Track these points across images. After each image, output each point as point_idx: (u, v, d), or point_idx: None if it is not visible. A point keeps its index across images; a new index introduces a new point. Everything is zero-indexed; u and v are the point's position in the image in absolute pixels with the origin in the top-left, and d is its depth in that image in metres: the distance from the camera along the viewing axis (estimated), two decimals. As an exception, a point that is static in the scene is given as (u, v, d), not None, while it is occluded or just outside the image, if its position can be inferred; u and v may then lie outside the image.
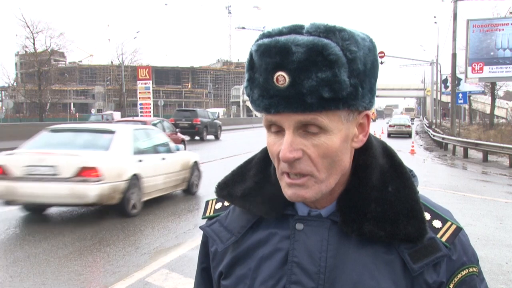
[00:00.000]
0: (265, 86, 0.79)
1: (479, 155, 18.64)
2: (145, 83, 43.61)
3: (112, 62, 59.90)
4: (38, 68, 44.49)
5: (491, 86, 35.70)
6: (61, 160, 6.91)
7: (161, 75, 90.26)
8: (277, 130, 0.82)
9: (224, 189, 0.97)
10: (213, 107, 79.25)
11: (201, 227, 1.01)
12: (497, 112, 41.07)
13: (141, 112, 41.83)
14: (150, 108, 44.19)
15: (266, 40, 0.78)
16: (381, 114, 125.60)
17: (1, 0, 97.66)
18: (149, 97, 43.89)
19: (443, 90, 44.76)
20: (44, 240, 6.26)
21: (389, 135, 33.55)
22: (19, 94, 53.03)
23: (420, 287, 0.85)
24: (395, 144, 23.95)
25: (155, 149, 8.69)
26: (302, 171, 0.81)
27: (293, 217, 0.90)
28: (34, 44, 45.04)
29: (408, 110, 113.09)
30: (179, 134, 18.75)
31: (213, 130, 27.65)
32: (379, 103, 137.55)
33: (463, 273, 0.88)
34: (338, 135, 0.81)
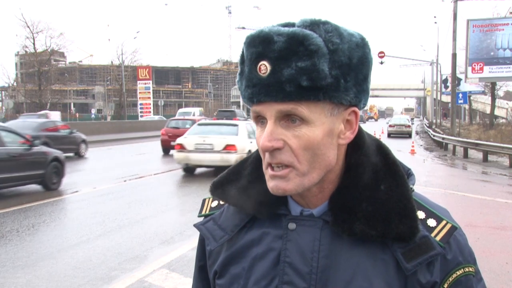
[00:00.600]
0: (249, 76, 0.81)
1: (479, 155, 18.63)
2: (145, 83, 43.60)
3: (112, 62, 59.92)
4: (38, 68, 44.52)
5: (491, 86, 35.68)
6: (216, 140, 12.23)
7: (161, 75, 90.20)
8: (262, 121, 0.84)
9: (219, 187, 0.97)
10: (213, 107, 79.21)
11: (195, 225, 1.01)
12: (497, 112, 41.04)
13: (141, 112, 41.76)
14: (150, 108, 44.17)
15: (253, 32, 0.81)
16: (382, 114, 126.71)
17: (1, 0, 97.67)
18: (149, 97, 43.90)
19: (443, 90, 44.75)
20: (43, 237, 6.25)
21: (389, 135, 33.55)
22: (19, 94, 53.02)
23: (414, 287, 0.84)
24: (395, 144, 24.00)
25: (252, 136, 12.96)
26: (282, 161, 0.81)
27: (286, 216, 0.90)
28: (34, 44, 45.10)
29: (407, 110, 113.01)
30: None
31: None
32: (379, 104, 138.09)
33: (458, 273, 0.86)
34: (321, 128, 0.81)
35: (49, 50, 46.48)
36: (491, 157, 18.07)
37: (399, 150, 19.88)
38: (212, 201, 1.03)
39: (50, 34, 45.33)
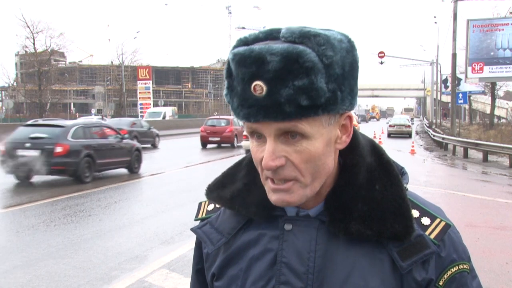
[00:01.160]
0: (243, 96, 0.78)
1: (479, 155, 18.63)
2: (145, 83, 43.58)
3: (112, 62, 59.93)
4: (38, 68, 44.52)
5: (491, 86, 35.69)
6: None
7: (161, 75, 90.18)
8: (258, 135, 0.82)
9: (214, 191, 0.98)
10: (213, 107, 79.12)
11: (192, 229, 1.02)
12: (497, 112, 41.07)
13: (141, 112, 41.78)
14: (150, 108, 44.13)
15: (241, 49, 0.77)
16: (384, 114, 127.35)
17: (1, 0, 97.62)
18: (149, 97, 43.87)
19: (443, 90, 44.75)
20: (38, 236, 6.26)
21: (389, 135, 33.54)
22: (19, 94, 53.05)
23: (409, 285, 0.85)
24: (395, 144, 24.10)
25: None
26: (286, 177, 0.81)
27: (282, 217, 0.90)
28: (34, 44, 45.10)
29: (407, 110, 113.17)
30: None
31: None
32: (380, 104, 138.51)
33: (452, 270, 0.87)
34: (320, 140, 0.80)
35: (49, 50, 46.49)
36: (491, 157, 18.07)
37: (399, 150, 19.89)
38: (208, 205, 1.04)
39: (50, 34, 45.37)
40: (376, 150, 0.92)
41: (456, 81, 26.17)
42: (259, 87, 0.76)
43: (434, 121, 50.09)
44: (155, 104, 51.50)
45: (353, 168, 0.88)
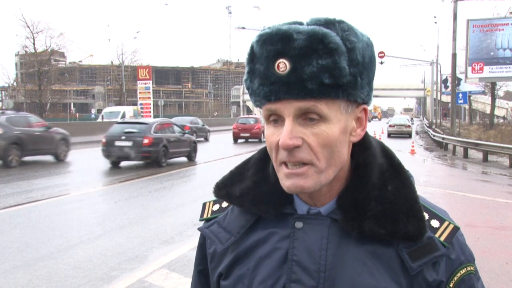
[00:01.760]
0: (266, 74, 0.80)
1: (479, 155, 18.63)
2: (145, 83, 43.54)
3: (112, 62, 59.96)
4: (38, 68, 44.48)
5: (491, 86, 35.68)
6: None
7: (161, 75, 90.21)
8: (276, 119, 0.83)
9: (223, 189, 0.97)
10: (213, 107, 79.08)
11: (199, 229, 1.01)
12: (497, 112, 41.07)
13: (141, 112, 41.73)
14: (150, 108, 44.17)
15: (267, 30, 0.80)
16: (385, 114, 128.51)
17: (1, 0, 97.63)
18: (149, 97, 43.82)
19: (443, 90, 44.76)
20: (40, 236, 6.26)
21: (389, 135, 33.53)
22: (19, 94, 52.99)
23: (420, 285, 0.85)
24: (395, 144, 24.16)
25: None
26: (302, 159, 0.81)
27: (292, 215, 0.90)
28: (34, 44, 45.04)
29: (407, 110, 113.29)
30: None
31: None
32: (381, 104, 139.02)
33: (462, 272, 0.89)
34: (337, 125, 0.81)
35: (49, 50, 46.43)
36: (491, 157, 18.07)
37: (399, 150, 19.87)
38: (213, 205, 1.04)
39: (50, 34, 45.30)
40: (386, 152, 0.94)
41: (456, 81, 26.17)
42: (283, 64, 0.78)
43: (434, 121, 50.08)
44: (155, 104, 51.51)
45: (366, 167, 0.89)
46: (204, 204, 1.06)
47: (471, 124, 46.92)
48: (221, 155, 18.66)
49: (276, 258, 0.89)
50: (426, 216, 0.89)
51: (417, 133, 40.18)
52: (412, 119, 64.07)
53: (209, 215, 1.02)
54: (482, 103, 49.68)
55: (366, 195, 0.87)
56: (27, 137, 14.65)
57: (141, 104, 43.34)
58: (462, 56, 27.35)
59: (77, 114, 61.12)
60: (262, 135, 25.90)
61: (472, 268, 0.90)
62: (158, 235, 6.67)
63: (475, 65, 26.01)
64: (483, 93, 43.62)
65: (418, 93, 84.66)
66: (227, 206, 1.00)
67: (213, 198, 1.03)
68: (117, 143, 14.21)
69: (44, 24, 50.44)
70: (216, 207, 1.03)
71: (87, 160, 16.36)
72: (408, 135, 33.35)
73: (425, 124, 51.48)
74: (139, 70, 44.45)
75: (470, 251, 0.92)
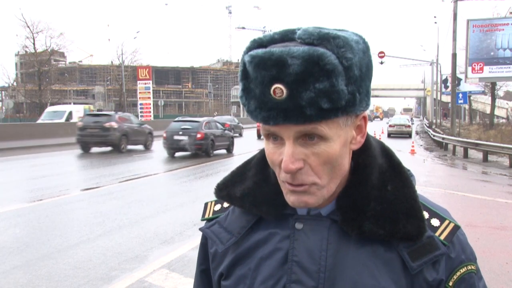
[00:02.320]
0: (262, 99, 0.77)
1: (479, 155, 18.64)
2: (145, 83, 43.53)
3: (112, 62, 59.98)
4: (38, 68, 44.53)
5: (491, 86, 35.69)
6: None
7: (161, 75, 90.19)
8: (275, 137, 0.82)
9: (223, 189, 0.98)
10: (213, 107, 79.03)
11: (200, 229, 1.02)
12: (497, 112, 41.08)
13: (141, 112, 41.69)
14: (150, 108, 44.16)
15: (260, 52, 0.75)
16: (386, 114, 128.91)
17: (1, 0, 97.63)
18: (149, 97, 43.81)
19: (443, 90, 44.77)
20: (39, 236, 6.26)
21: (389, 135, 33.54)
22: (19, 94, 53.05)
23: (420, 285, 0.85)
24: (395, 144, 24.24)
25: None
26: (304, 181, 0.81)
27: (293, 216, 0.91)
28: (34, 44, 45.10)
29: (406, 110, 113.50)
30: None
31: None
32: (381, 104, 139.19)
33: (462, 270, 0.88)
34: (338, 141, 0.81)
35: (49, 50, 46.49)
36: (491, 157, 18.08)
37: (399, 150, 19.88)
38: (215, 205, 1.04)
39: (50, 34, 45.47)
40: (386, 152, 0.93)
41: (456, 81, 26.17)
42: (279, 90, 0.75)
43: (434, 121, 50.09)
44: (155, 104, 51.51)
45: (365, 168, 0.89)
46: (206, 204, 1.06)
47: (471, 124, 46.92)
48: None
49: (276, 259, 0.89)
50: (426, 215, 0.89)
51: (417, 133, 40.19)
52: (412, 119, 64.11)
53: (210, 215, 1.03)
54: (482, 103, 49.69)
55: (366, 195, 0.87)
56: (130, 131, 20.33)
57: (141, 104, 43.26)
58: (462, 56, 27.40)
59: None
60: None
61: (473, 267, 0.90)
62: (158, 235, 6.67)
63: (475, 65, 26.02)
64: (483, 93, 43.63)
65: (418, 93, 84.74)
66: (229, 206, 1.00)
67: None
68: (176, 137, 17.84)
69: (44, 24, 50.61)
70: (218, 207, 1.03)
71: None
72: (408, 135, 33.37)
73: (425, 124, 51.50)
74: (139, 70, 44.41)
75: (472, 250, 0.92)
